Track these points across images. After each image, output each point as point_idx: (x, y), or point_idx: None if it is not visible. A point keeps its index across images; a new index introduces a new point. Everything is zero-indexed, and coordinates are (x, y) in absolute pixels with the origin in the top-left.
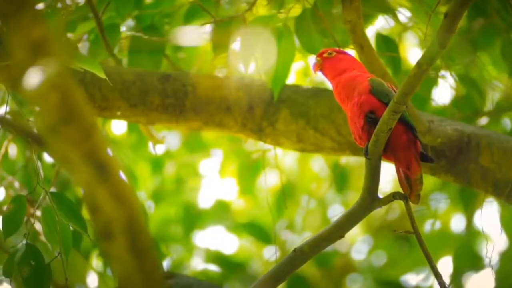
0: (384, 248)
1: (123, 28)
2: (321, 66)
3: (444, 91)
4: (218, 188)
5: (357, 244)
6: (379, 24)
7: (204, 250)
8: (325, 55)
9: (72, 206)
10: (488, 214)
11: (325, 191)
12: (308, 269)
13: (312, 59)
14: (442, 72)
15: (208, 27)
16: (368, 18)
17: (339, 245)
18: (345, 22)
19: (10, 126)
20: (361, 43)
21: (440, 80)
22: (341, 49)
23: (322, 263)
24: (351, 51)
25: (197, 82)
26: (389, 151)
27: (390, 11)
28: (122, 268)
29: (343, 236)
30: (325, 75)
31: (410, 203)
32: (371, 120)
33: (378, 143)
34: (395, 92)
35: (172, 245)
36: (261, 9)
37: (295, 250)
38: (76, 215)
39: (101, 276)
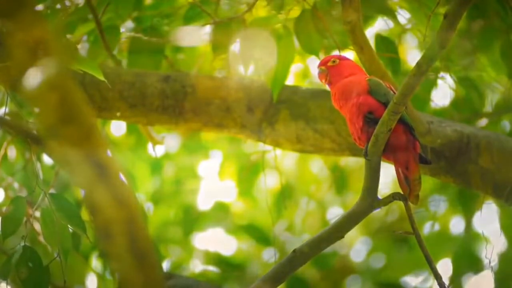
0: (384, 249)
1: (122, 29)
2: (327, 75)
3: (443, 93)
4: (217, 189)
5: (356, 245)
6: (379, 25)
7: (203, 252)
8: (329, 63)
9: (71, 208)
10: (487, 216)
11: (324, 193)
12: (307, 270)
13: (311, 60)
14: (442, 74)
15: (207, 28)
16: (368, 19)
17: (338, 247)
18: (344, 23)
19: (10, 127)
20: (361, 44)
21: (439, 82)
22: (342, 55)
23: (321, 265)
24: (351, 52)
25: (196, 83)
26: (388, 151)
27: (390, 13)
28: (121, 269)
29: (343, 237)
30: (330, 83)
31: (410, 204)
32: (369, 120)
33: (377, 144)
34: (394, 92)
35: (171, 247)
36: (261, 10)
37: (294, 251)
38: (75, 216)
39: (101, 277)
